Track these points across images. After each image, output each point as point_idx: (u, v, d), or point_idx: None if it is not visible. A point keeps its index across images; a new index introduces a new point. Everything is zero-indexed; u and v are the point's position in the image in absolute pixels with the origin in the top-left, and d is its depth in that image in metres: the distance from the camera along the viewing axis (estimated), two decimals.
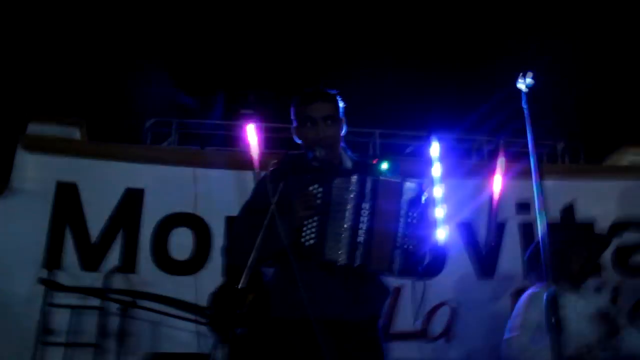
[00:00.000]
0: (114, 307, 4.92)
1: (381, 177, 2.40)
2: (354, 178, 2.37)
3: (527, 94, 2.16)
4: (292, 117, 2.70)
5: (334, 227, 2.36)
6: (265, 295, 2.63)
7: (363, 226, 2.35)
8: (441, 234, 2.53)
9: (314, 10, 7.71)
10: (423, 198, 2.35)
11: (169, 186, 5.75)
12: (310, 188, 2.40)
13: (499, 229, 6.19)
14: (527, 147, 6.79)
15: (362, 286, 2.51)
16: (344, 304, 2.49)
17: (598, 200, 6.41)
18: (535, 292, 3.64)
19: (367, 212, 2.35)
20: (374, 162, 2.65)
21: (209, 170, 5.88)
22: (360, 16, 7.76)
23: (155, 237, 5.57)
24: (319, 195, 2.39)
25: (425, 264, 2.36)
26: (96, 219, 5.48)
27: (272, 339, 2.54)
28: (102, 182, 5.62)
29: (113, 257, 5.42)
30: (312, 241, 2.37)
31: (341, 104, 2.72)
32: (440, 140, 6.39)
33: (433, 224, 2.36)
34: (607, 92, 7.87)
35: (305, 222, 2.39)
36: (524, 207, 6.30)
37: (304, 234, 2.38)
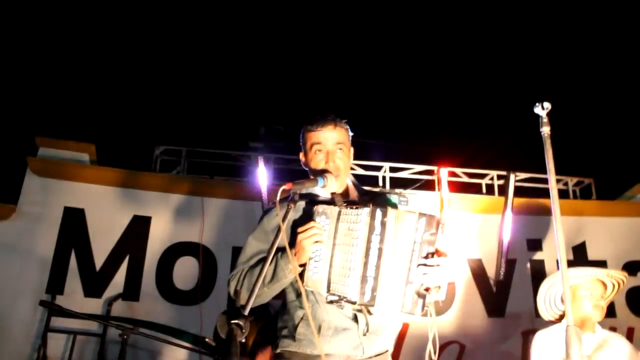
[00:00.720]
0: (114, 334, 4.83)
1: (391, 209, 2.23)
2: (365, 210, 2.24)
3: (545, 121, 2.06)
4: (301, 142, 2.64)
5: (342, 260, 2.26)
6: (271, 327, 2.56)
7: (373, 260, 2.20)
8: (453, 271, 2.37)
9: (326, 45, 7.79)
10: (437, 232, 2.17)
11: (176, 215, 5.72)
12: (318, 220, 2.32)
13: (510, 266, 6.08)
14: (537, 183, 6.75)
15: (371, 320, 2.44)
16: (353, 339, 2.42)
17: (610, 238, 6.32)
18: (545, 332, 3.57)
19: (376, 246, 2.20)
20: (386, 193, 2.58)
21: (217, 200, 5.86)
22: (370, 50, 7.82)
23: (160, 265, 5.51)
24: (326, 227, 2.30)
25: (436, 300, 2.21)
26: (102, 245, 5.46)
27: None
28: (110, 209, 5.60)
29: (117, 285, 5.36)
30: (318, 275, 2.28)
31: (350, 133, 2.66)
32: (450, 174, 6.37)
33: (446, 260, 2.20)
34: (619, 130, 7.84)
35: (312, 256, 2.30)
36: (535, 243, 6.22)
37: (310, 267, 2.30)
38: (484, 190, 6.76)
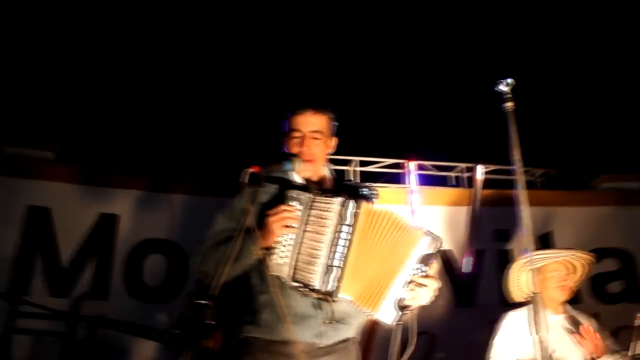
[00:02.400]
0: (81, 334, 4.75)
1: (366, 203, 2.24)
2: (337, 199, 2.23)
3: (508, 97, 2.12)
4: (283, 126, 2.62)
5: (309, 248, 2.23)
6: (235, 312, 2.53)
7: (340, 249, 2.18)
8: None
9: (291, 37, 7.75)
10: (436, 254, 2.20)
11: (144, 212, 5.65)
12: (290, 204, 2.30)
13: (478, 256, 6.17)
14: (505, 175, 6.85)
15: (336, 308, 2.43)
16: (314, 327, 2.41)
17: (575, 227, 6.45)
18: (515, 312, 3.68)
19: (346, 237, 2.19)
20: (358, 187, 2.57)
21: (185, 196, 5.80)
22: (337, 46, 7.82)
23: (129, 263, 5.44)
24: (298, 213, 2.27)
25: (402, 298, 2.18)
26: (68, 244, 5.35)
27: (241, 357, 2.43)
28: (75, 207, 5.50)
29: (84, 284, 5.27)
30: (284, 259, 2.26)
31: (333, 122, 2.65)
32: (418, 167, 6.43)
33: (435, 284, 2.20)
34: (584, 123, 7.99)
35: (280, 240, 2.27)
36: (503, 234, 6.32)
37: (277, 251, 2.27)
38: (453, 182, 6.84)
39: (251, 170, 2.18)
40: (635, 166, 7.19)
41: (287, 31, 7.75)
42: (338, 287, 2.18)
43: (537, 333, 1.88)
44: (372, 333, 5.57)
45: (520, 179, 2.05)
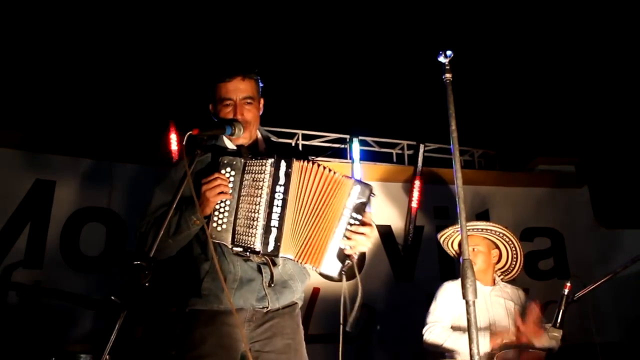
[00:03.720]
0: (13, 301, 4.62)
1: (297, 161, 2.26)
2: (269, 161, 2.25)
3: (447, 68, 2.20)
4: (210, 93, 2.59)
5: (246, 211, 2.25)
6: (180, 287, 2.52)
7: (277, 210, 2.22)
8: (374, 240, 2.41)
9: (236, 7, 7.62)
10: (368, 202, 2.25)
11: (83, 179, 5.50)
12: (223, 171, 2.30)
13: (417, 232, 6.31)
14: (446, 154, 7.00)
15: (277, 271, 2.46)
16: (257, 290, 2.44)
17: (511, 207, 6.68)
18: (445, 284, 3.88)
19: (280, 197, 2.23)
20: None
21: (126, 165, 5.68)
22: (280, 18, 7.74)
23: (65, 231, 5.30)
24: (232, 179, 2.29)
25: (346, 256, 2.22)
26: (1, 210, 5.15)
27: (188, 332, 2.43)
28: (10, 172, 5.30)
29: (18, 252, 5.09)
30: (223, 226, 2.27)
31: (260, 84, 2.65)
32: (361, 142, 6.50)
33: (372, 231, 2.25)
34: (524, 105, 8.22)
35: (217, 207, 2.28)
36: (441, 211, 6.48)
37: (215, 218, 2.28)
38: (395, 159, 6.94)
39: (191, 133, 2.16)
40: (571, 150, 7.48)
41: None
42: (278, 247, 2.21)
43: (464, 297, 1.96)
44: (313, 301, 5.66)
45: (455, 148, 2.12)
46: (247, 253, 2.27)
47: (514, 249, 3.97)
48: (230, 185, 2.28)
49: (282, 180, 2.24)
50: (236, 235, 2.25)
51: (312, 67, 7.53)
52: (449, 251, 4.20)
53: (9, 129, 5.51)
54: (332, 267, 2.21)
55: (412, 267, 6.28)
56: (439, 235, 4.14)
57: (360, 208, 2.23)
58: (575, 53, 7.87)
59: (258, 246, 2.21)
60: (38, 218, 5.25)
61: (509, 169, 7.33)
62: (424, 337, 3.67)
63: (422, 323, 3.82)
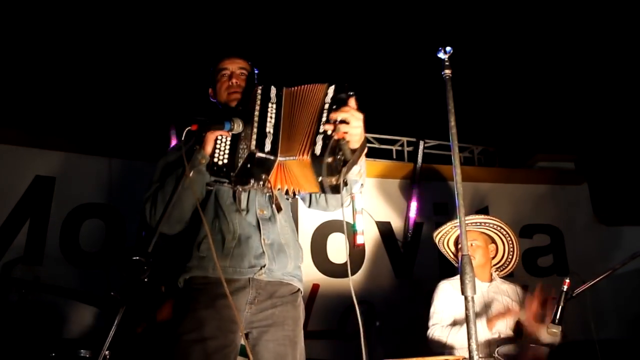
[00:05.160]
0: (12, 298, 4.60)
1: (285, 88, 2.42)
2: (259, 87, 2.40)
3: (447, 64, 2.22)
4: (210, 77, 2.74)
5: (245, 140, 2.33)
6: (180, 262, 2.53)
7: (272, 121, 2.33)
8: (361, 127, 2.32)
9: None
10: (347, 93, 2.30)
11: (82, 175, 5.50)
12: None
13: (417, 229, 6.31)
14: (445, 151, 6.99)
15: (273, 230, 2.52)
16: (256, 247, 2.46)
17: (510, 204, 6.68)
18: (443, 282, 3.93)
19: (274, 108, 2.35)
20: None
21: (126, 161, 5.69)
22: (279, 13, 7.72)
23: (65, 227, 5.31)
24: (228, 126, 2.36)
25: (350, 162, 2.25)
26: (1, 207, 5.16)
27: (187, 312, 2.39)
28: (9, 169, 5.30)
29: (17, 248, 5.10)
30: (225, 160, 2.34)
31: (255, 70, 2.79)
32: None
33: (355, 113, 2.24)
34: (524, 102, 8.21)
35: (217, 144, 2.37)
36: (441, 207, 6.48)
37: (216, 153, 2.35)
38: (394, 156, 6.94)
39: (190, 128, 2.21)
40: (570, 146, 7.47)
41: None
42: (276, 150, 2.27)
43: (462, 294, 1.97)
44: (312, 297, 5.67)
45: (454, 144, 2.13)
46: (249, 168, 2.30)
47: (510, 242, 3.99)
48: (227, 128, 2.34)
49: (273, 99, 2.37)
50: (235, 162, 2.32)
51: (311, 63, 7.51)
52: (445, 252, 4.19)
53: (9, 126, 5.52)
54: (324, 149, 2.19)
55: (411, 263, 6.28)
56: (434, 235, 4.15)
57: (339, 101, 2.28)
58: (575, 49, 7.85)
59: (254, 148, 2.27)
60: (38, 214, 5.26)
61: (509, 165, 7.33)
62: (429, 340, 3.71)
63: (422, 319, 3.85)
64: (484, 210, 6.49)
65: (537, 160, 7.25)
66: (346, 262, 5.94)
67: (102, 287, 5.06)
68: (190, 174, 2.30)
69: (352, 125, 2.21)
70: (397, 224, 6.30)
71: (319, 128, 2.23)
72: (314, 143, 2.20)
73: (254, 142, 2.27)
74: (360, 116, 2.23)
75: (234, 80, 2.64)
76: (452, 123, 2.15)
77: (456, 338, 3.56)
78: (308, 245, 5.88)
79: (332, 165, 2.19)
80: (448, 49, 2.24)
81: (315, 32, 7.65)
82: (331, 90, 2.31)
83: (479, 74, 7.14)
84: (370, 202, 6.19)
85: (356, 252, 5.99)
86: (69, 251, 5.27)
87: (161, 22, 7.45)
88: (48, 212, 5.30)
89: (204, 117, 2.53)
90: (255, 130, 2.30)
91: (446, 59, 2.24)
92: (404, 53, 7.31)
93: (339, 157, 2.20)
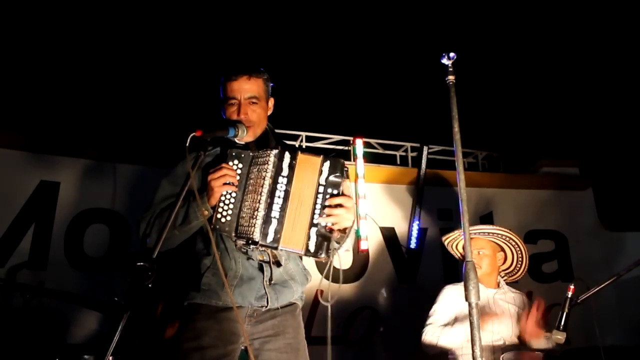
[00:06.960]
0: (16, 303, 4.61)
1: (301, 153, 2.29)
2: (273, 152, 2.27)
3: (450, 70, 2.24)
4: (220, 92, 2.62)
5: (251, 202, 2.26)
6: (181, 281, 2.54)
7: (279, 201, 2.23)
8: (354, 213, 2.33)
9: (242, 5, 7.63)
10: (342, 175, 2.24)
11: (87, 180, 5.51)
12: (230, 163, 2.32)
13: (421, 234, 6.30)
14: (449, 156, 7.00)
15: (278, 271, 2.49)
16: (257, 289, 2.45)
17: (515, 209, 6.66)
18: (448, 286, 3.93)
19: (283, 188, 2.24)
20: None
21: (131, 166, 5.69)
22: (285, 19, 7.74)
23: (70, 232, 5.31)
24: (239, 171, 2.31)
25: (338, 247, 2.24)
26: (5, 212, 5.16)
27: (188, 323, 2.44)
28: (14, 174, 5.31)
29: (22, 253, 5.09)
30: (227, 218, 2.28)
31: (270, 83, 2.66)
32: (365, 145, 6.49)
33: (349, 201, 2.23)
34: (528, 107, 8.20)
35: (222, 199, 2.29)
36: (445, 213, 6.47)
37: (220, 209, 2.29)
38: (398, 161, 6.94)
39: (194, 134, 2.18)
40: (575, 152, 7.46)
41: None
42: (278, 239, 2.22)
43: (466, 300, 1.97)
44: (316, 303, 5.66)
45: (458, 150, 2.14)
46: (250, 246, 2.28)
47: (519, 251, 3.98)
48: (237, 177, 2.29)
49: (285, 172, 2.26)
50: (239, 227, 2.27)
51: (316, 68, 7.53)
52: (454, 253, 4.21)
53: (14, 130, 5.53)
54: (317, 248, 2.20)
55: (415, 269, 6.27)
56: (443, 238, 4.16)
57: (334, 183, 2.23)
58: (580, 55, 7.85)
59: (257, 236, 2.21)
60: (42, 219, 5.26)
61: (513, 171, 7.32)
62: (422, 340, 3.71)
63: (424, 326, 3.84)
64: (488, 216, 6.48)
65: (541, 166, 7.23)
66: (351, 267, 5.92)
67: (106, 292, 5.09)
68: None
69: (344, 217, 2.22)
70: (401, 230, 6.29)
71: (313, 216, 2.22)
72: (309, 237, 2.20)
73: (257, 230, 2.21)
74: (352, 202, 2.23)
75: (242, 116, 2.50)
76: (456, 129, 2.16)
77: (447, 338, 3.56)
78: None
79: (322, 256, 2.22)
80: (452, 55, 2.26)
81: (319, 38, 7.67)
82: (325, 168, 2.25)
83: (483, 79, 7.15)
84: (374, 207, 6.18)
85: (360, 258, 5.98)
86: (74, 256, 5.27)
87: (166, 27, 7.48)
88: (53, 217, 5.29)
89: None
90: (260, 209, 2.23)
91: (450, 65, 2.26)
92: (408, 59, 7.31)
93: (330, 249, 2.20)
